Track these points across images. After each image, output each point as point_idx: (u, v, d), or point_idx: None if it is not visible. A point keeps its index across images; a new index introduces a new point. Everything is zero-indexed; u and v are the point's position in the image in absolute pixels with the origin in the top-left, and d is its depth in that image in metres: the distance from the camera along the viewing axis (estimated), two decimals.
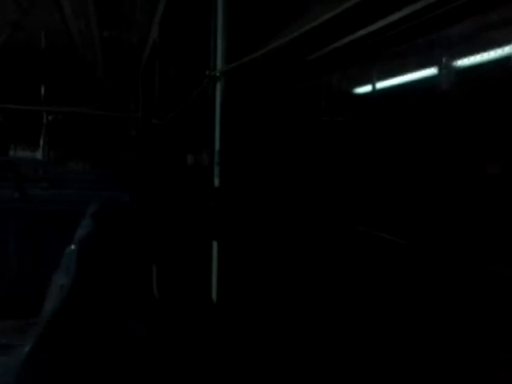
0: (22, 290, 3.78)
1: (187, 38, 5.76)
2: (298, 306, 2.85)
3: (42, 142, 12.37)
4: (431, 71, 1.73)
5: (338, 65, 2.38)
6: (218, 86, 3.66)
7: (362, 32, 1.74)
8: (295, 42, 2.06)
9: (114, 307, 3.79)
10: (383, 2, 1.49)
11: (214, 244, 3.72)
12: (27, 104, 11.85)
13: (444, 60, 1.68)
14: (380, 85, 2.25)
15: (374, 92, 2.29)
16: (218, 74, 3.61)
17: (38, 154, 12.27)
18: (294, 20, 2.44)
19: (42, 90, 12.11)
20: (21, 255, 3.95)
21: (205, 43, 4.10)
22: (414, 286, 1.77)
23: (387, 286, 1.92)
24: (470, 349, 1.53)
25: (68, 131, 13.98)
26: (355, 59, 2.18)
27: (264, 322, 3.15)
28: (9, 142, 11.31)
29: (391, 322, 1.90)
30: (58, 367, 1.49)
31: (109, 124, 13.84)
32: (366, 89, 2.47)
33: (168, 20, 7.18)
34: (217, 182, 3.68)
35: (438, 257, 1.66)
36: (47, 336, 1.31)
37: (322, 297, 2.60)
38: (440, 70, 1.72)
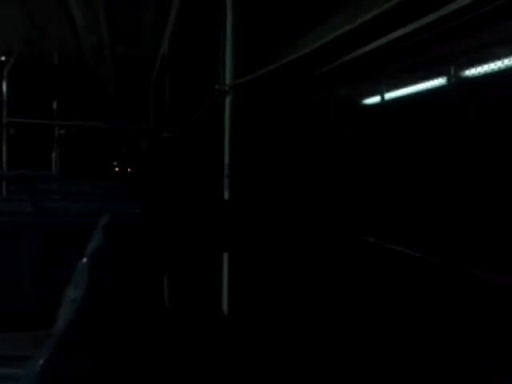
0: (34, 302, 3.81)
1: (196, 53, 5.84)
2: (313, 318, 2.86)
3: (54, 155, 12.53)
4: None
5: (342, 79, 2.42)
6: (227, 100, 3.71)
7: (366, 49, 1.77)
8: (302, 58, 2.11)
9: (127, 319, 3.82)
10: (384, 22, 1.53)
11: (225, 256, 3.74)
12: (40, 118, 12.03)
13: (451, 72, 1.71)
14: (387, 96, 2.27)
15: (382, 104, 2.31)
16: (226, 89, 3.66)
17: (51, 167, 12.42)
18: (298, 37, 2.48)
19: (55, 105, 12.29)
20: (34, 268, 3.99)
21: (213, 57, 4.16)
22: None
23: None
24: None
25: (79, 144, 14.16)
26: (360, 74, 2.21)
27: (278, 335, 3.15)
28: (22, 156, 11.49)
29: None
30: (72, 379, 1.52)
31: (120, 137, 14.00)
32: (373, 101, 2.50)
33: (177, 35, 7.29)
34: (227, 194, 3.71)
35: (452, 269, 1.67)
36: (61, 349, 1.34)
37: (337, 309, 2.60)
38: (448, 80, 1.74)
